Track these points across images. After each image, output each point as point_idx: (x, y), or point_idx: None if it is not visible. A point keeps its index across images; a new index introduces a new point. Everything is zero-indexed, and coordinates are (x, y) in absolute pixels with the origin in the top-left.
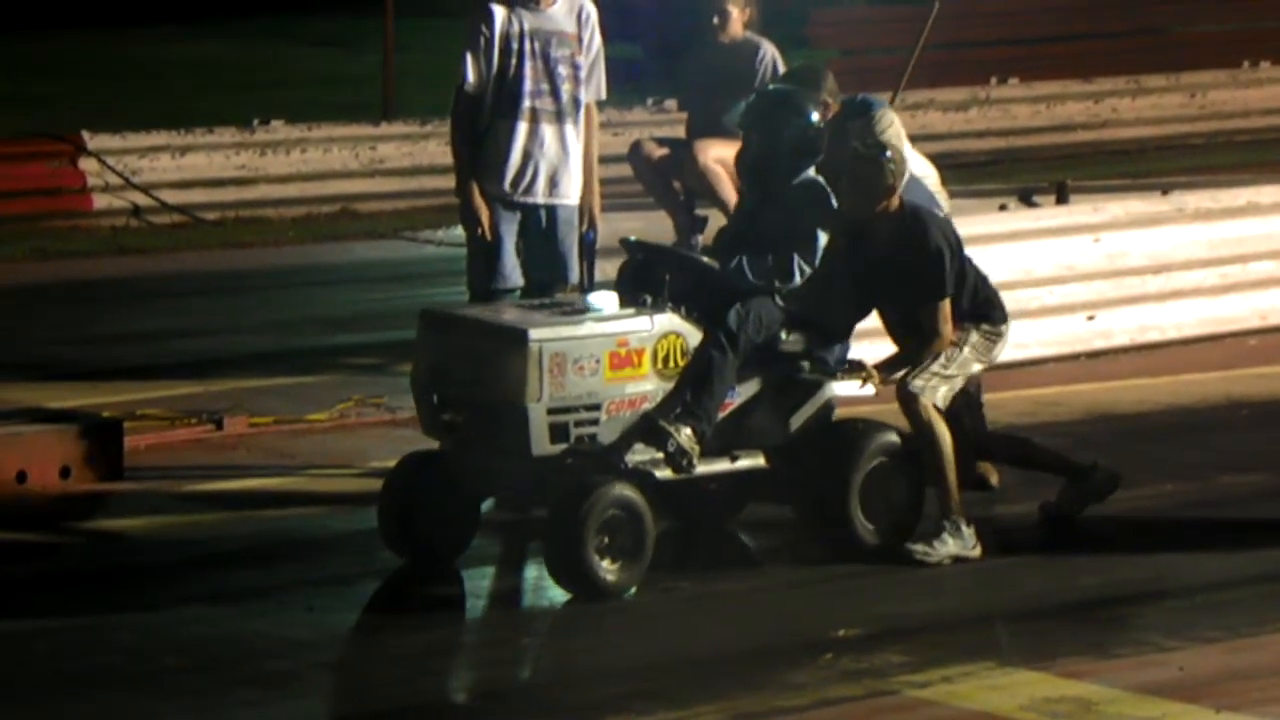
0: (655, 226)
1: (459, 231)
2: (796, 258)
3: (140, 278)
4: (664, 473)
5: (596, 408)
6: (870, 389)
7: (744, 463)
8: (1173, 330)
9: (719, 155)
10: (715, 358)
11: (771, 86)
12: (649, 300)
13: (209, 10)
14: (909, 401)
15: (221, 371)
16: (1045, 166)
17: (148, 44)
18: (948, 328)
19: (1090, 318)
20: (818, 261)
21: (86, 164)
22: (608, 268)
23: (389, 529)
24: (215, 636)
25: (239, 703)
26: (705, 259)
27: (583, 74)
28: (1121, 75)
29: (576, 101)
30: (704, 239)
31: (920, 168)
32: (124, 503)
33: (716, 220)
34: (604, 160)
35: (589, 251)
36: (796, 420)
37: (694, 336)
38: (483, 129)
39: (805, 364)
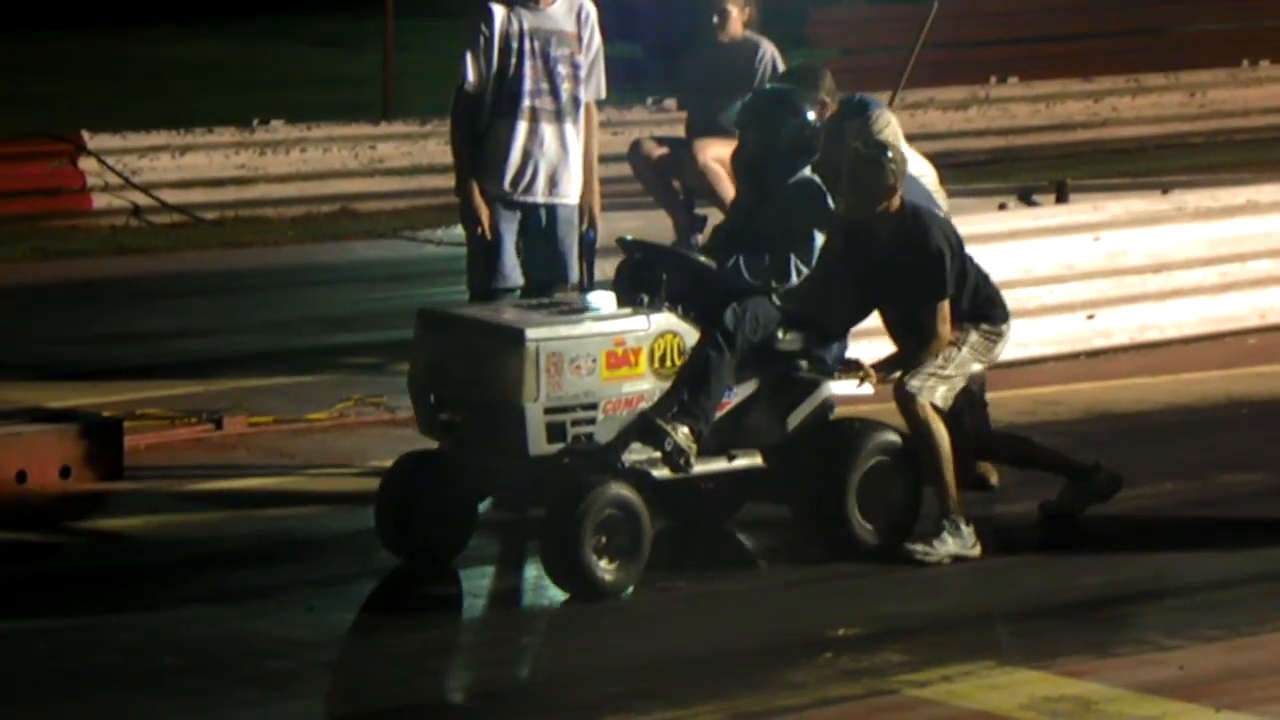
0: (655, 226)
1: (459, 231)
2: (793, 257)
3: (140, 277)
4: (661, 472)
5: (593, 407)
6: (868, 388)
7: (741, 462)
8: (1172, 329)
9: (718, 154)
10: (712, 357)
11: (768, 86)
12: (646, 300)
13: (209, 10)
14: (906, 401)
15: (221, 371)
16: (1045, 165)
17: (148, 44)
18: (946, 328)
19: (1090, 316)
20: (814, 261)
21: (86, 164)
22: (607, 267)
23: (386, 529)
24: (215, 636)
25: (239, 703)
26: (703, 259)
27: (582, 73)
28: (1121, 74)
29: (576, 101)
30: (703, 238)
31: (918, 167)
32: (124, 502)
33: (716, 219)
34: (604, 159)
35: (589, 251)
36: (794, 420)
37: (691, 336)
38: (482, 128)
39: (803, 363)
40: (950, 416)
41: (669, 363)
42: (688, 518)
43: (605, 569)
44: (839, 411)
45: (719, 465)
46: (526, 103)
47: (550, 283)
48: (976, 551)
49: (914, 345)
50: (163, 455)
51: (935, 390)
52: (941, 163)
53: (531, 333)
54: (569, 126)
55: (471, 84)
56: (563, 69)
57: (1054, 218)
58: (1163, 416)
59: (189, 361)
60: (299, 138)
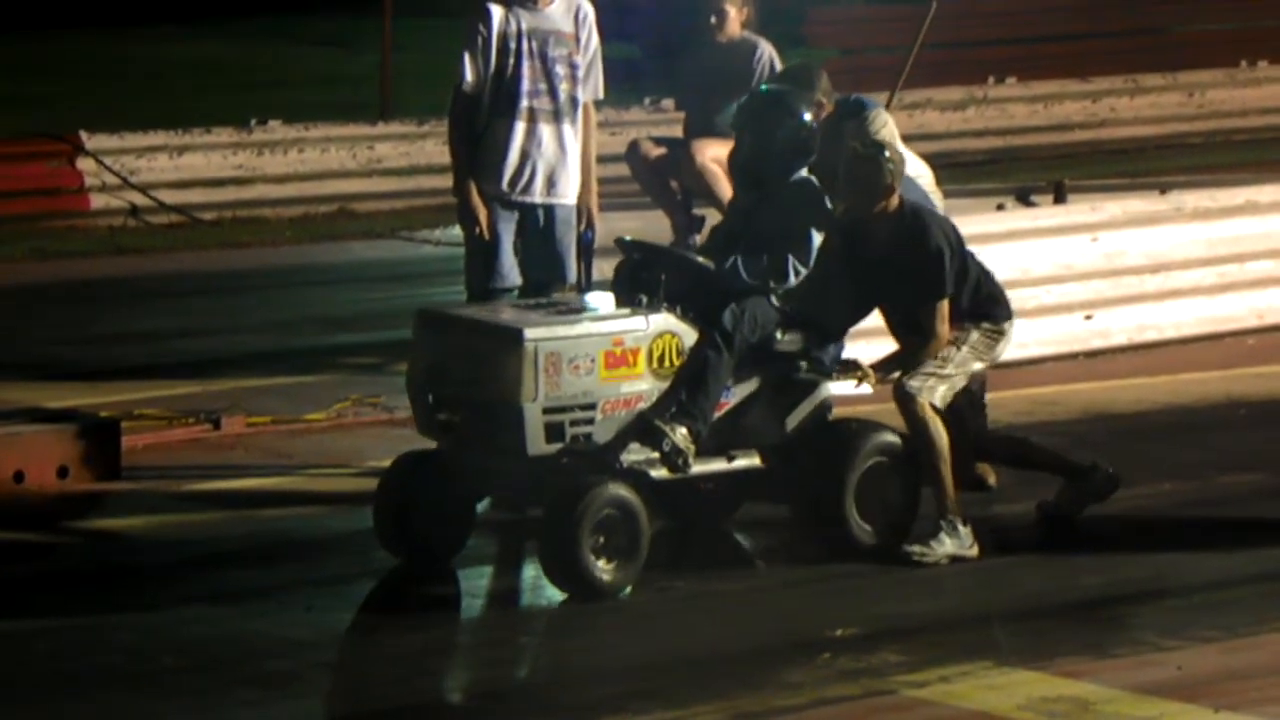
0: (653, 226)
1: (457, 231)
2: (791, 258)
3: (138, 278)
4: (659, 472)
5: (592, 407)
6: (866, 388)
7: (740, 462)
8: (1171, 329)
9: (716, 155)
10: (711, 357)
11: (764, 87)
12: (645, 300)
13: (209, 10)
14: (906, 401)
15: (220, 371)
16: (1043, 166)
17: (148, 44)
18: (945, 327)
19: (1088, 317)
20: (812, 261)
21: (84, 164)
22: (606, 267)
23: (385, 529)
24: (215, 636)
25: (239, 703)
26: (701, 259)
27: (580, 73)
28: (1119, 74)
29: (574, 101)
30: (701, 238)
31: (914, 168)
32: (122, 502)
33: (714, 220)
34: (601, 160)
35: (587, 251)
36: (792, 420)
37: (689, 336)
38: (480, 128)
39: (801, 364)
40: (952, 415)
41: (667, 363)
42: (686, 518)
43: (603, 569)
44: (838, 412)
45: (717, 465)
46: (524, 103)
47: (548, 283)
48: (974, 552)
49: (912, 345)
50: (160, 455)
51: (935, 390)
52: (939, 163)
53: (530, 333)
54: (567, 127)
55: (469, 84)
56: (561, 69)
57: (1052, 218)
58: (1161, 417)
59: (187, 362)
60: (297, 138)
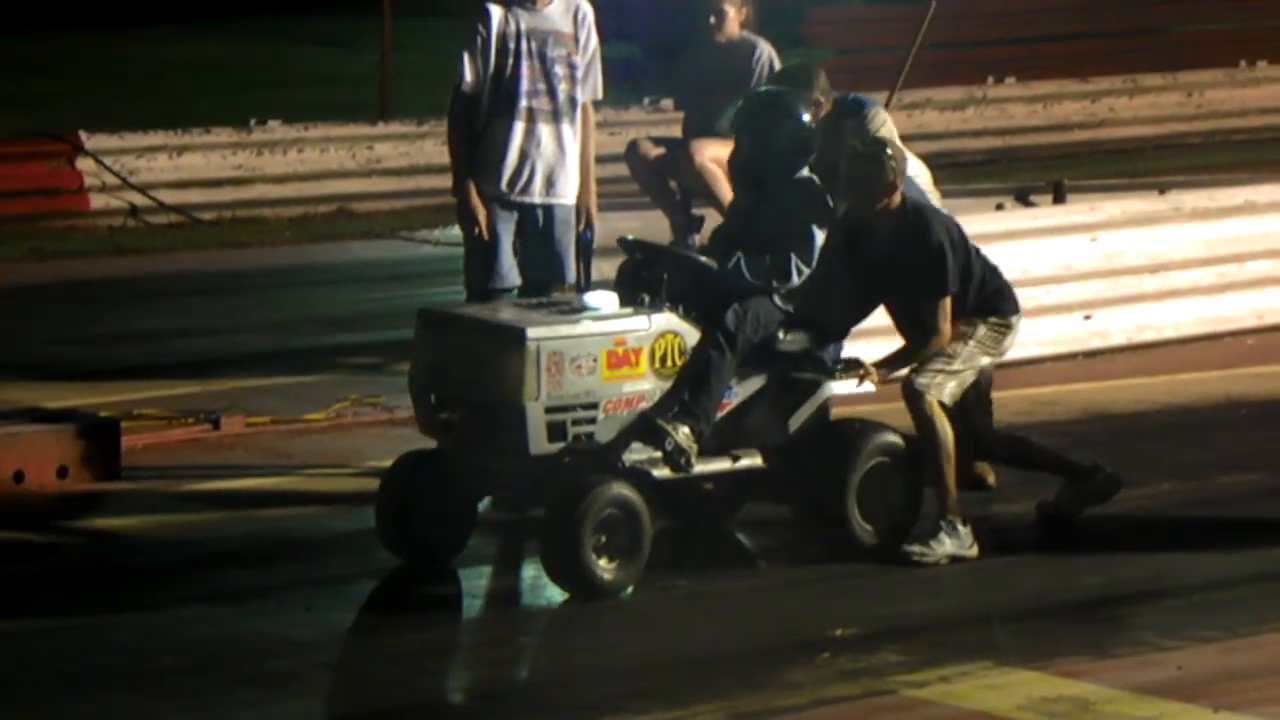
0: (652, 226)
1: (456, 231)
2: (794, 257)
3: (138, 278)
4: (662, 472)
5: (594, 407)
6: (869, 387)
7: (742, 462)
8: (1170, 329)
9: (715, 155)
10: (713, 357)
11: (762, 88)
12: (647, 299)
13: (209, 10)
14: (914, 399)
15: (220, 371)
16: (1042, 166)
17: (148, 44)
18: (947, 325)
19: (1087, 317)
20: (814, 260)
21: (84, 164)
22: (605, 267)
23: (386, 528)
24: (215, 636)
25: (239, 703)
26: (703, 259)
27: (579, 73)
28: (1119, 74)
29: (573, 101)
30: (700, 238)
31: (913, 167)
32: (121, 502)
33: (713, 220)
34: (601, 160)
35: (585, 251)
36: (795, 420)
37: (692, 336)
38: (480, 129)
39: (803, 363)
40: (957, 411)
41: (670, 363)
42: (688, 517)
43: (605, 568)
44: (841, 412)
45: (719, 465)
46: (523, 103)
47: (547, 283)
48: (974, 552)
49: (915, 343)
50: (160, 455)
51: (944, 387)
52: (938, 163)
53: (532, 332)
54: (566, 127)
55: (469, 84)
56: (560, 69)
57: (1051, 218)
58: (1160, 417)
59: (187, 362)
60: (296, 138)
